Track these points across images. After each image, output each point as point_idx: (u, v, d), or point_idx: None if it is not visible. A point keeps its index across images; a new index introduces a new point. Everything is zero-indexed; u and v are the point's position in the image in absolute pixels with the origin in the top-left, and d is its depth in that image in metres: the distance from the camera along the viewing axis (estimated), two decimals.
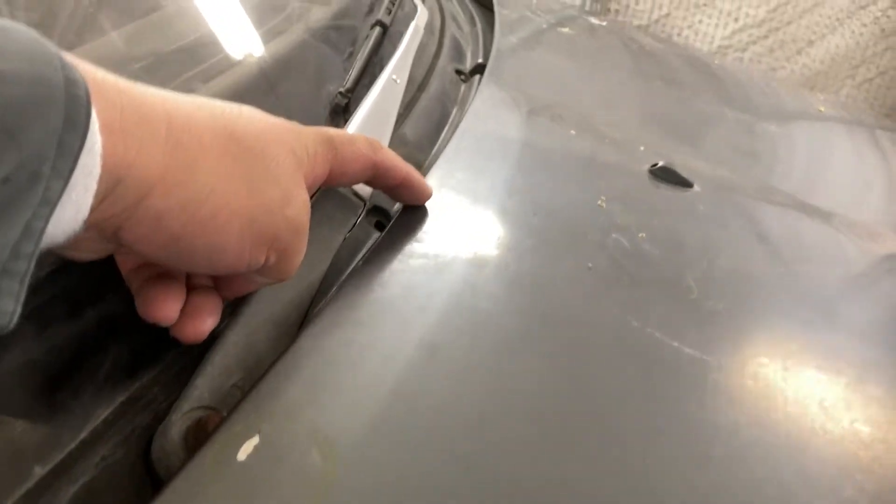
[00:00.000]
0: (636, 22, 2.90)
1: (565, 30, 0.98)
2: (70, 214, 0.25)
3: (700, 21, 2.88)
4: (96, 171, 0.25)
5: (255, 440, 0.31)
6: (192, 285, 0.37)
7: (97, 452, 0.33)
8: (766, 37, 2.85)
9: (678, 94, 0.90)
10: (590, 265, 0.47)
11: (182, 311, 0.35)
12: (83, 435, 0.33)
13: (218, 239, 0.31)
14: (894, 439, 0.41)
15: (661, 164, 0.62)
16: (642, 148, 0.67)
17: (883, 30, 2.72)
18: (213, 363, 0.36)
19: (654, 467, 0.35)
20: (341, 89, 0.61)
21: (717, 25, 2.88)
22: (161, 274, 0.35)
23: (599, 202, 0.54)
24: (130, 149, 0.26)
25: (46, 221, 0.23)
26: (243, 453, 0.30)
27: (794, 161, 0.81)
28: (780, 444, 0.38)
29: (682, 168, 0.63)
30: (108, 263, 0.37)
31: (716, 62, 1.12)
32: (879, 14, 2.71)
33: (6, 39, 0.22)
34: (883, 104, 2.83)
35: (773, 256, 0.56)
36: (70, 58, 0.24)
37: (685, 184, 0.62)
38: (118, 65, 0.46)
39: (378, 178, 0.43)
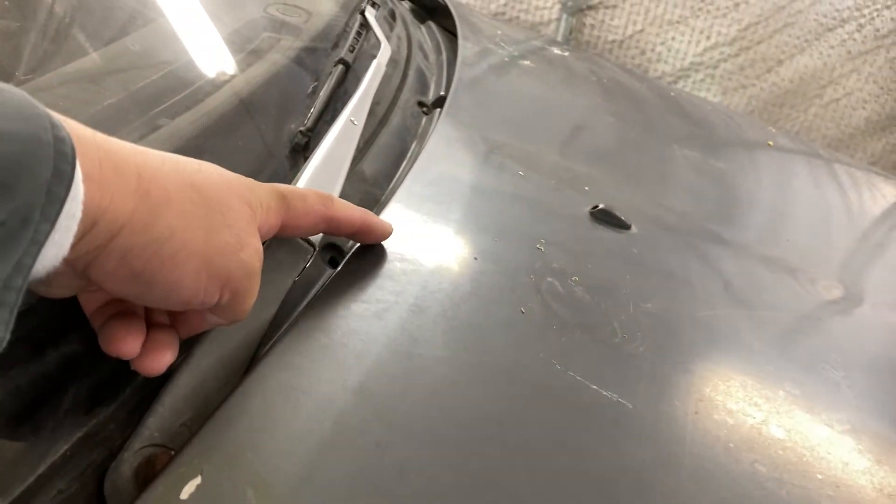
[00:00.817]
0: (611, 37, 2.95)
1: (527, 62, 1.02)
2: (52, 252, 0.28)
3: (673, 38, 2.93)
4: (78, 215, 0.29)
5: (197, 480, 0.34)
6: (151, 322, 0.40)
7: (54, 486, 0.36)
8: (737, 55, 2.91)
9: (631, 132, 0.94)
10: (523, 310, 0.51)
11: (143, 346, 0.38)
12: (42, 469, 0.36)
13: (176, 276, 0.34)
14: (788, 479, 0.45)
15: (601, 206, 0.66)
16: (587, 188, 0.71)
17: (849, 52, 2.79)
18: (164, 403, 0.39)
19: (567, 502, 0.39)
20: (302, 128, 0.65)
21: (689, 42, 2.93)
22: (123, 312, 0.39)
23: (538, 245, 0.58)
24: (105, 197, 0.30)
25: (34, 259, 0.27)
26: (186, 493, 0.33)
27: (737, 201, 0.85)
28: (684, 484, 0.42)
29: (623, 209, 0.67)
30: (70, 306, 0.41)
31: (672, 94, 1.16)
32: (846, 37, 2.77)
33: (1, 101, 0.26)
34: (848, 124, 2.90)
35: (699, 300, 0.60)
36: (56, 116, 0.28)
37: (623, 226, 0.65)
38: (87, 102, 0.48)
39: (333, 229, 0.47)
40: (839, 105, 2.89)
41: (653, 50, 2.95)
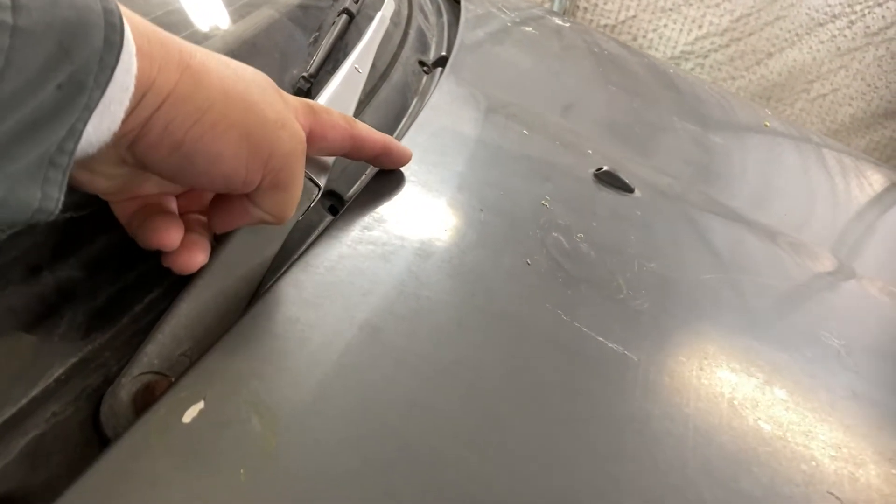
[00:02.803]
0: (603, 21, 2.94)
1: (529, 29, 1.01)
2: (106, 125, 0.30)
3: (665, 25, 2.93)
4: (131, 87, 0.30)
5: (199, 405, 0.33)
6: (187, 224, 0.41)
7: (48, 409, 0.35)
8: (727, 45, 2.92)
9: (632, 102, 0.93)
10: (528, 261, 0.50)
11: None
12: (35, 392, 0.35)
13: (217, 147, 0.35)
14: (791, 437, 0.44)
15: (605, 168, 0.65)
16: (590, 151, 0.70)
17: (839, 48, 2.81)
18: (164, 332, 0.38)
19: (570, 451, 0.38)
20: (304, 74, 0.63)
21: (681, 31, 2.93)
22: (160, 211, 0.39)
23: (543, 202, 0.57)
24: (153, 68, 0.31)
25: (86, 124, 0.28)
26: (188, 416, 0.32)
27: (737, 174, 0.85)
28: (688, 436, 0.42)
29: (626, 174, 0.67)
30: (67, 231, 0.39)
31: (671, 70, 1.15)
32: (836, 33, 2.79)
33: None
34: (834, 120, 2.92)
35: (702, 264, 0.59)
36: None
37: (627, 189, 0.65)
38: None
39: (356, 150, 0.47)
40: (826, 100, 2.91)
41: (644, 36, 2.95)
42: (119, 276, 0.41)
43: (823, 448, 0.44)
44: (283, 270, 0.44)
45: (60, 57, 0.26)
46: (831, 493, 0.41)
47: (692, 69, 2.96)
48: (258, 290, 0.43)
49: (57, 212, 0.28)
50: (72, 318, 0.38)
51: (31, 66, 0.25)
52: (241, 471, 0.31)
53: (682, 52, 2.96)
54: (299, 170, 0.39)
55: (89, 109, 0.28)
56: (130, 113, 0.31)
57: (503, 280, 0.47)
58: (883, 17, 2.70)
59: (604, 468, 0.38)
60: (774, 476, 0.41)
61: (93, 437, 0.36)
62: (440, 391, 0.38)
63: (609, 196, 0.63)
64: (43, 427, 0.34)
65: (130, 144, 0.33)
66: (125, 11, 0.30)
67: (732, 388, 0.46)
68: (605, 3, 2.92)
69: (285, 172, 0.38)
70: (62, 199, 0.28)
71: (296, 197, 0.40)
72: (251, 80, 0.37)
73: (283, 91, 0.40)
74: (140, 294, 0.42)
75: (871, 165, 1.16)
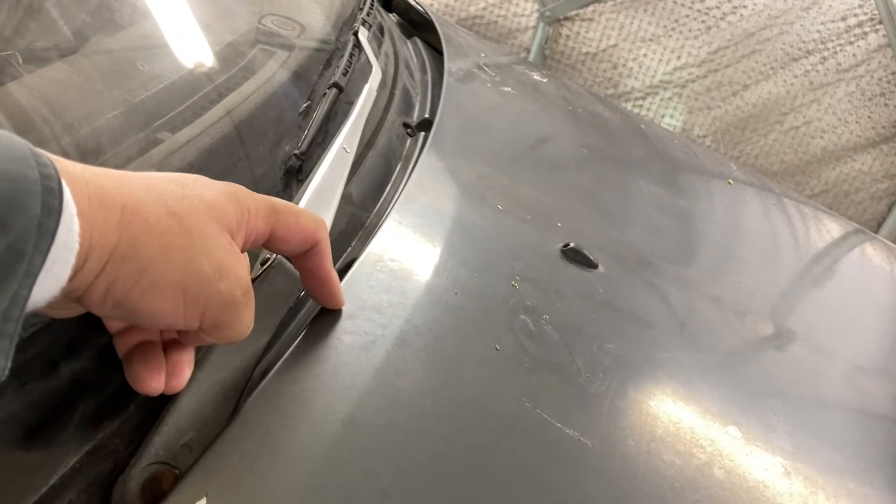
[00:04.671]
0: (584, 49, 3.01)
1: (507, 89, 1.06)
2: (52, 285, 0.30)
3: (645, 55, 3.00)
4: (75, 247, 0.31)
5: (202, 502, 0.37)
6: (166, 341, 0.43)
7: (65, 497, 0.39)
8: (705, 76, 2.99)
9: (603, 165, 0.98)
10: (497, 346, 0.55)
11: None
12: (53, 481, 0.39)
13: (156, 305, 0.36)
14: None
15: (571, 245, 0.71)
16: (559, 224, 0.75)
17: (811, 83, 2.89)
18: (167, 423, 0.43)
19: None
20: (296, 151, 0.68)
21: (660, 61, 3.00)
22: (142, 342, 0.42)
23: (513, 282, 0.62)
24: (94, 231, 0.32)
25: (30, 290, 0.28)
26: None
27: (697, 242, 0.90)
28: None
29: (591, 248, 0.72)
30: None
31: (643, 126, 1.21)
32: (810, 68, 2.87)
33: None
34: (805, 151, 3.00)
35: (656, 342, 0.65)
36: (43, 153, 0.30)
37: (591, 265, 0.70)
38: (83, 119, 0.50)
39: (312, 256, 0.47)
40: (798, 133, 2.99)
41: (624, 65, 3.02)
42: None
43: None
44: (276, 360, 0.48)
45: None
46: None
47: (670, 98, 3.03)
48: (252, 377, 0.48)
49: (3, 378, 0.28)
50: (84, 408, 0.42)
51: None
52: None
53: (660, 81, 3.04)
54: (240, 312, 0.40)
55: (32, 275, 0.28)
56: (76, 273, 0.32)
57: (473, 367, 0.52)
58: (854, 55, 2.79)
59: None
60: None
61: None
62: (412, 480, 0.43)
63: (574, 272, 0.68)
64: None
65: (78, 298, 0.34)
66: (63, 167, 0.31)
67: (675, 470, 0.51)
68: (586, 32, 2.99)
69: (224, 317, 0.39)
70: (9, 365, 0.28)
71: (242, 329, 0.41)
72: (195, 228, 0.37)
73: (244, 196, 0.41)
74: None
75: (827, 216, 1.22)
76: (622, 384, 0.57)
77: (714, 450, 0.55)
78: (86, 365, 0.44)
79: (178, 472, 0.41)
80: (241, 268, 0.40)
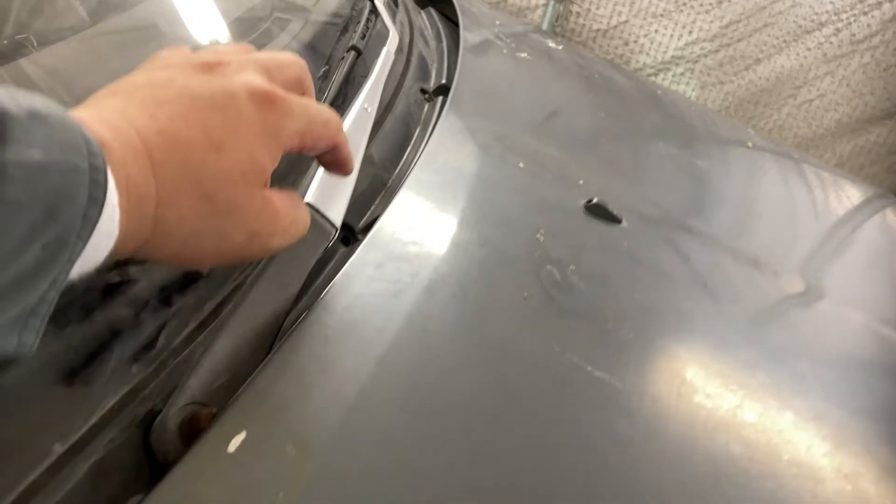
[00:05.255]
0: (595, 26, 2.99)
1: (524, 55, 1.06)
2: (88, 265, 0.32)
3: (656, 31, 2.98)
4: (115, 233, 0.32)
5: (242, 435, 0.38)
6: None
7: (105, 435, 0.40)
8: (717, 51, 2.97)
9: (621, 128, 0.98)
10: (525, 295, 0.55)
11: None
12: (94, 420, 0.40)
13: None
14: (759, 457, 0.50)
15: (595, 200, 0.71)
16: (581, 182, 0.75)
17: (825, 55, 2.87)
18: (203, 366, 0.43)
19: (561, 469, 0.43)
20: None
21: (671, 36, 2.98)
22: None
23: (538, 235, 0.62)
24: (130, 224, 0.33)
25: (67, 275, 0.30)
26: (232, 446, 0.37)
27: (718, 199, 0.90)
28: (667, 457, 0.47)
29: (614, 204, 0.72)
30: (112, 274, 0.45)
31: (659, 92, 1.20)
32: (823, 40, 2.85)
33: (46, 128, 0.28)
34: (820, 124, 2.98)
35: (680, 293, 0.65)
36: (94, 133, 0.30)
37: (614, 220, 0.70)
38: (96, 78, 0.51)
39: (333, 153, 0.47)
40: (812, 106, 2.97)
41: (636, 41, 3.00)
42: (159, 313, 0.46)
43: (787, 467, 0.50)
44: (305, 310, 0.49)
45: (46, 221, 0.27)
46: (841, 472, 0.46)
47: (682, 74, 3.01)
48: (283, 325, 0.48)
49: (32, 354, 0.29)
50: (121, 352, 0.43)
51: (15, 234, 0.26)
52: (280, 494, 0.36)
53: (672, 56, 3.02)
54: (274, 250, 0.42)
55: (71, 262, 0.29)
56: (112, 254, 0.33)
57: (502, 314, 0.53)
58: (868, 25, 2.77)
59: (590, 484, 0.43)
60: (742, 494, 0.46)
61: (144, 461, 0.41)
62: (446, 419, 0.43)
63: (598, 227, 0.68)
64: (102, 452, 0.39)
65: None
66: (108, 151, 0.31)
67: (706, 412, 0.52)
68: (597, 9, 2.97)
69: (261, 257, 0.44)
70: (37, 343, 0.29)
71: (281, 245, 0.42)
72: (225, 204, 0.38)
73: (282, 128, 0.40)
74: (178, 328, 0.47)
75: (847, 182, 1.21)
76: (650, 331, 0.57)
77: (744, 393, 0.55)
78: (121, 312, 0.44)
79: (214, 411, 0.41)
80: (271, 222, 0.41)
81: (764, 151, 1.13)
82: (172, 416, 0.41)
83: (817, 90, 2.90)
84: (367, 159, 0.69)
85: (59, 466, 0.37)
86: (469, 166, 0.69)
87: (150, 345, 0.45)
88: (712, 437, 0.50)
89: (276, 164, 0.41)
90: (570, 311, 0.55)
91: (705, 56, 2.96)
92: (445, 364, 0.47)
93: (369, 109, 0.70)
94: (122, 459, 0.40)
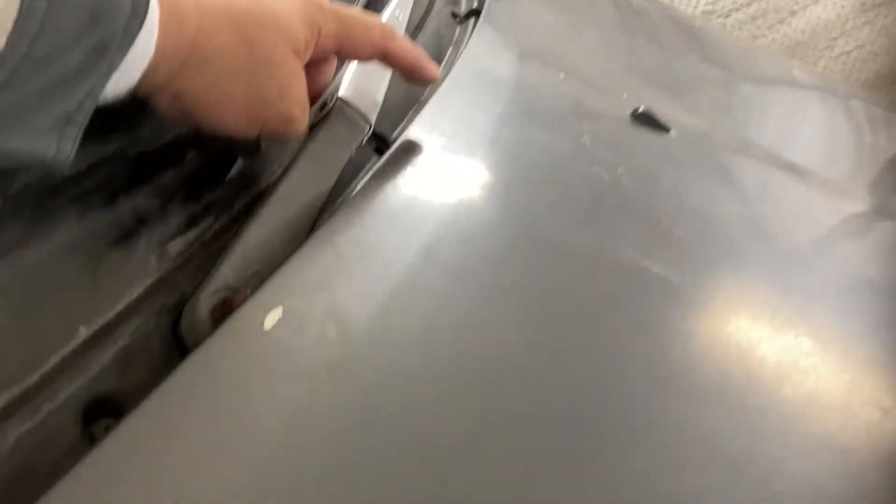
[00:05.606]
0: None
1: None
2: (123, 84, 0.33)
3: None
4: (151, 51, 0.33)
5: (279, 312, 0.35)
6: None
7: (132, 322, 0.37)
8: (749, 4, 2.89)
9: (660, 51, 0.94)
10: (573, 194, 0.52)
11: None
12: (120, 307, 0.38)
13: (218, 118, 0.39)
14: (832, 352, 0.46)
15: (641, 109, 0.67)
16: (625, 95, 0.72)
17: (863, 3, 2.78)
18: (236, 252, 0.41)
19: (615, 365, 0.40)
20: None
21: None
22: None
23: (583, 139, 0.59)
24: (169, 44, 0.34)
25: (104, 85, 0.30)
26: (269, 323, 0.35)
27: (768, 118, 0.86)
28: (730, 352, 0.44)
29: (661, 115, 0.68)
30: (139, 164, 0.42)
31: (697, 24, 1.16)
32: None
33: None
34: (858, 78, 2.90)
35: (737, 198, 0.61)
36: None
37: (663, 129, 0.66)
38: None
39: (388, 61, 0.49)
40: (850, 57, 2.88)
41: None
42: (188, 205, 0.44)
43: (864, 360, 0.46)
44: (340, 201, 0.46)
45: (90, 24, 0.28)
46: (872, 402, 0.43)
47: None
48: (318, 219, 0.45)
49: (68, 163, 0.31)
50: (147, 241, 0.41)
51: (62, 32, 0.27)
52: (323, 371, 0.33)
53: (703, 11, 2.94)
54: (297, 126, 0.43)
55: (110, 72, 0.30)
56: (145, 78, 0.34)
57: (548, 211, 0.49)
58: None
59: (650, 375, 0.40)
60: (817, 384, 0.43)
61: (173, 349, 0.38)
62: (492, 306, 0.40)
63: (646, 136, 0.65)
64: (129, 339, 0.37)
65: (146, 98, 0.37)
66: None
67: (772, 308, 0.48)
68: None
69: (281, 129, 0.42)
70: (74, 152, 0.31)
71: (296, 135, 0.44)
72: (263, 53, 0.39)
73: (316, 17, 0.42)
74: (208, 222, 0.44)
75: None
76: (705, 232, 0.54)
77: (811, 294, 0.52)
78: (148, 201, 0.42)
79: (249, 295, 0.38)
80: (301, 89, 0.42)
81: (809, 82, 1.09)
82: (204, 300, 0.38)
83: (855, 41, 2.82)
84: (397, 76, 0.66)
85: (85, 349, 0.35)
86: (506, 75, 0.66)
87: (178, 235, 0.42)
88: (779, 331, 0.46)
89: (309, 54, 0.43)
90: (620, 209, 0.52)
91: (737, 10, 2.88)
92: (492, 254, 0.44)
93: (400, 17, 0.66)
94: (149, 347, 0.37)
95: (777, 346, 0.45)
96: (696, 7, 2.93)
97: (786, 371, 0.43)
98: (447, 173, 0.49)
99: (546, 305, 0.42)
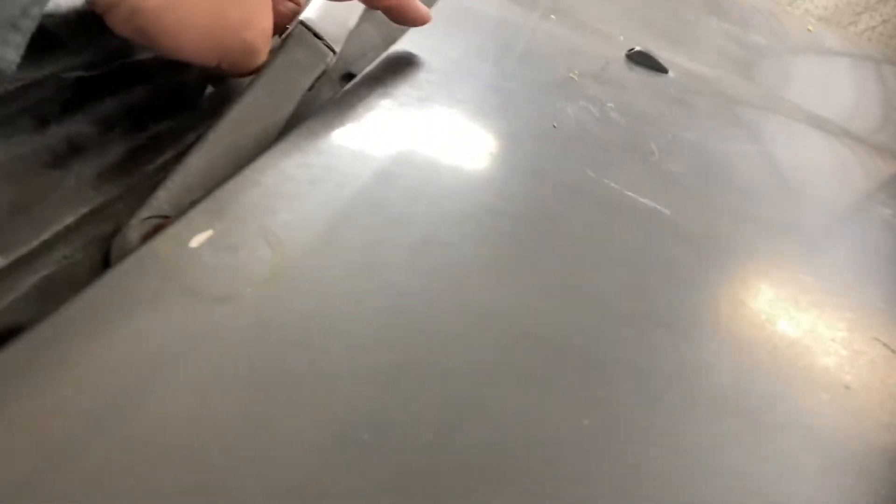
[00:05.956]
0: None
1: None
2: None
3: None
4: None
5: (208, 233, 0.32)
6: None
7: (59, 251, 0.34)
8: None
9: (668, 2, 0.89)
10: (555, 125, 0.48)
11: None
12: (45, 236, 0.34)
13: (176, 42, 0.36)
14: (835, 290, 0.42)
15: (638, 48, 0.62)
16: (622, 38, 0.67)
17: None
18: (174, 180, 0.37)
19: (601, 288, 0.36)
20: None
21: None
22: None
23: (572, 75, 0.55)
24: None
25: None
26: (196, 242, 0.31)
27: (780, 67, 0.81)
28: (722, 282, 0.40)
29: (661, 56, 0.64)
30: (76, 89, 0.39)
31: None
32: None
33: None
34: (885, 53, 2.81)
35: (739, 138, 0.56)
36: None
37: (660, 69, 0.62)
38: None
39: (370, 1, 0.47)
40: (875, 33, 2.79)
41: None
42: (130, 135, 0.41)
43: (870, 299, 0.42)
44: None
45: None
46: (878, 339, 0.39)
47: None
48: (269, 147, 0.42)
49: (11, 72, 0.29)
50: (80, 171, 0.37)
51: None
52: (248, 290, 0.29)
53: None
54: (258, 58, 0.41)
55: None
56: None
57: (527, 140, 0.45)
58: None
59: (633, 302, 0.36)
60: (816, 321, 0.38)
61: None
62: (459, 229, 0.36)
63: (642, 74, 0.60)
64: (53, 267, 0.34)
65: (102, 14, 0.35)
66: None
67: (771, 241, 0.44)
68: None
69: (242, 60, 0.40)
70: (18, 61, 0.29)
71: (255, 67, 0.42)
72: None
73: None
74: (152, 154, 0.41)
75: None
76: (703, 167, 0.49)
77: (815, 230, 0.47)
78: (82, 129, 0.39)
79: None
80: (266, 19, 0.41)
81: (826, 38, 1.03)
82: (134, 227, 0.35)
83: (881, 15, 2.73)
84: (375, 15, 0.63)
85: (1, 279, 0.32)
86: (491, 10, 0.62)
87: (117, 167, 0.39)
88: (777, 265, 0.42)
89: None
90: (608, 142, 0.48)
91: None
92: (462, 177, 0.40)
93: None
94: (75, 276, 0.34)
95: (775, 281, 0.41)
96: None
97: (784, 305, 0.39)
98: (418, 96, 0.45)
99: (519, 232, 0.38)
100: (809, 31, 1.00)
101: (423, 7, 0.49)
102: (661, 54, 0.67)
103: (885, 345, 0.38)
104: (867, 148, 0.67)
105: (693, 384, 0.32)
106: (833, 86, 0.81)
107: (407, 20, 0.50)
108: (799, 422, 0.32)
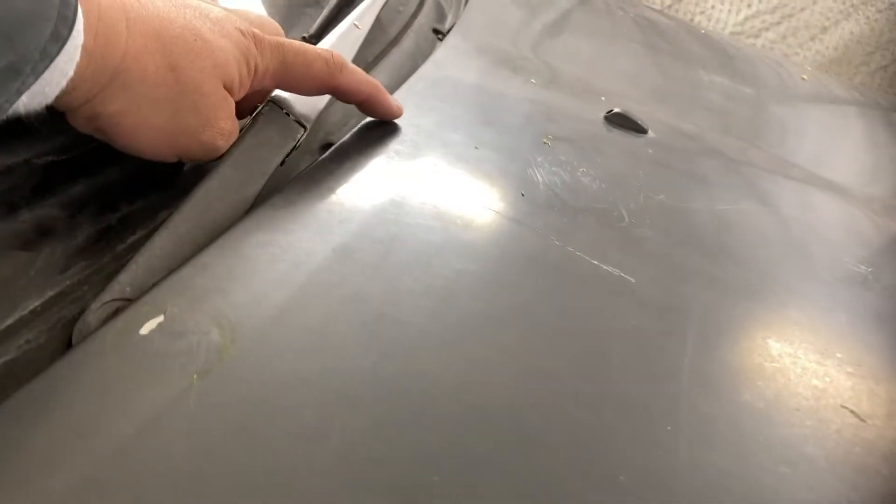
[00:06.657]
0: (646, 2, 2.89)
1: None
2: (37, 100, 0.32)
3: (713, 7, 2.86)
4: (69, 74, 0.31)
5: (159, 319, 0.32)
6: None
7: (21, 337, 0.35)
8: (778, 23, 2.83)
9: (656, 56, 0.90)
10: (523, 193, 0.48)
11: None
12: (9, 321, 0.35)
13: (134, 142, 0.39)
14: (803, 355, 0.41)
15: (616, 110, 0.63)
16: (603, 99, 0.68)
17: None
18: (137, 262, 0.38)
19: (554, 362, 0.36)
20: (305, 34, 0.63)
21: (729, 11, 2.85)
22: None
23: (545, 140, 0.55)
24: (91, 66, 0.33)
25: (12, 104, 0.29)
26: (146, 329, 0.32)
27: (767, 121, 0.81)
28: (686, 351, 0.39)
29: (641, 117, 0.64)
30: (47, 174, 0.40)
31: (701, 31, 1.12)
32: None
33: None
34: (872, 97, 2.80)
35: (716, 196, 0.56)
36: None
37: (639, 130, 0.62)
38: None
39: (339, 96, 0.48)
40: (887, 72, 2.79)
41: (692, 20, 2.88)
42: (101, 217, 0.42)
43: (840, 365, 0.41)
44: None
45: (3, 45, 0.27)
46: (845, 407, 0.38)
47: None
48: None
49: None
50: (50, 254, 0.38)
51: None
52: (194, 375, 0.30)
53: (731, 32, 2.88)
54: (217, 154, 0.42)
55: (20, 93, 0.29)
56: (63, 95, 0.33)
57: (491, 209, 0.46)
58: None
59: (592, 378, 0.36)
60: (781, 390, 0.38)
61: None
62: (412, 306, 0.36)
63: (619, 136, 0.61)
64: (14, 353, 0.34)
65: (63, 112, 0.36)
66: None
67: (737, 306, 0.44)
68: None
69: (200, 157, 0.42)
70: None
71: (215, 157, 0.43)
72: (191, 84, 0.38)
73: (253, 58, 0.41)
74: (122, 234, 0.42)
75: None
76: (674, 230, 0.49)
77: (787, 292, 0.47)
78: (52, 212, 0.40)
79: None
80: (227, 120, 0.41)
81: (824, 85, 1.03)
82: (94, 311, 0.36)
83: (892, 54, 2.73)
84: None
85: None
86: (472, 79, 0.63)
87: (86, 249, 0.40)
88: (746, 332, 0.42)
89: (244, 92, 0.42)
90: (576, 209, 0.48)
91: (766, 29, 2.82)
92: (420, 252, 0.40)
93: (360, 27, 0.64)
94: (37, 362, 0.35)
95: (743, 348, 0.41)
96: (724, 28, 2.88)
97: (750, 375, 0.39)
98: (385, 170, 0.46)
99: (473, 307, 0.38)
100: (804, 79, 1.01)
101: (393, 102, 0.51)
102: (644, 109, 0.67)
103: (852, 412, 0.38)
104: (848, 201, 0.66)
105: (647, 463, 0.32)
106: (816, 136, 0.81)
107: (377, 114, 0.52)
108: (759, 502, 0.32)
